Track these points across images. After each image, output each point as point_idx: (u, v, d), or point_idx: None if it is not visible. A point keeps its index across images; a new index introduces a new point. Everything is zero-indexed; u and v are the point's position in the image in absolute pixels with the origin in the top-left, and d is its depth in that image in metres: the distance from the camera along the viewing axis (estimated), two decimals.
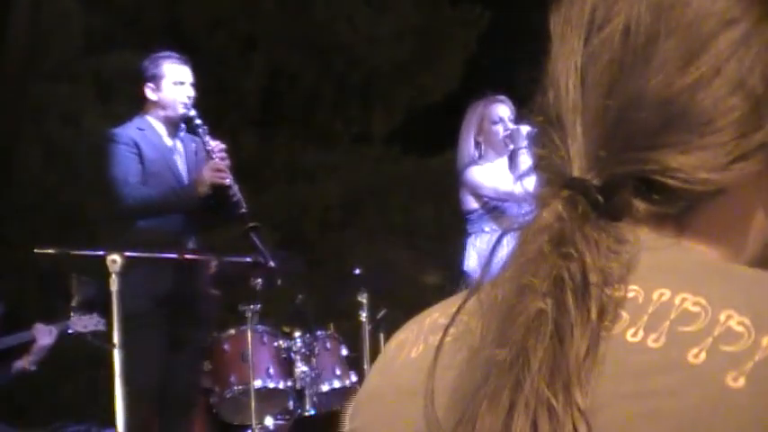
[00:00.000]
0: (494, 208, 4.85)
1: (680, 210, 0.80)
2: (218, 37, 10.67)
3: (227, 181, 4.76)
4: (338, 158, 11.31)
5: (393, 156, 11.77)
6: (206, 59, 9.78)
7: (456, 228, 4.68)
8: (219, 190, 4.78)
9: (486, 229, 4.95)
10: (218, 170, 4.76)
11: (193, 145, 5.01)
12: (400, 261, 9.66)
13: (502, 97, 4.96)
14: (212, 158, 4.81)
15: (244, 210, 4.74)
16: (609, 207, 0.78)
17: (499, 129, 4.86)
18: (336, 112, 11.59)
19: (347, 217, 11.06)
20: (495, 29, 11.23)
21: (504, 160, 4.81)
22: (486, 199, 4.90)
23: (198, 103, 5.03)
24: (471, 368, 0.76)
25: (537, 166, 0.83)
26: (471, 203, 5.06)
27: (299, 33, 10.92)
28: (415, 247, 11.11)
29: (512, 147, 4.67)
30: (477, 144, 4.86)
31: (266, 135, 11.19)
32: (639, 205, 0.79)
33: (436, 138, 11.30)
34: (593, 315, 0.74)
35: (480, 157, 4.88)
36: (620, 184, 0.79)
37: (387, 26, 11.20)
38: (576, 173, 0.79)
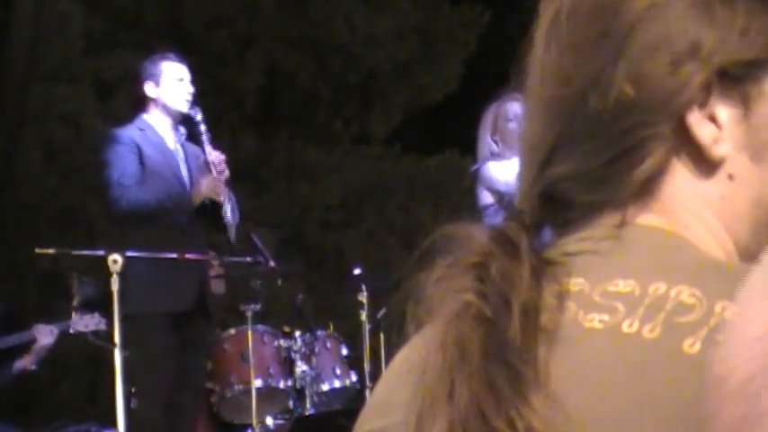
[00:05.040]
0: (510, 203, 4.79)
1: (621, 200, 0.83)
2: (218, 37, 10.66)
3: (221, 198, 4.84)
4: (338, 158, 11.30)
5: (393, 156, 11.76)
6: (205, 59, 9.78)
7: None
8: (212, 206, 4.87)
9: None
10: (215, 186, 4.84)
11: (192, 148, 5.03)
12: (400, 261, 9.65)
13: (517, 95, 4.90)
14: (211, 171, 4.87)
15: (232, 240, 4.86)
16: (536, 220, 0.86)
17: (514, 126, 4.82)
18: (336, 112, 11.58)
19: (347, 217, 11.05)
20: (495, 29, 11.23)
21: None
22: (501, 193, 4.86)
23: (197, 103, 5.04)
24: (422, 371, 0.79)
25: None
26: (487, 198, 5.04)
27: (297, 33, 10.92)
28: (414, 247, 11.10)
29: None
30: (495, 143, 4.84)
31: (266, 135, 11.19)
32: (569, 209, 0.85)
33: (436, 138, 11.31)
34: (520, 307, 0.77)
35: (498, 155, 4.86)
36: (536, 202, 0.87)
37: (386, 26, 11.19)
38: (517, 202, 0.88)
